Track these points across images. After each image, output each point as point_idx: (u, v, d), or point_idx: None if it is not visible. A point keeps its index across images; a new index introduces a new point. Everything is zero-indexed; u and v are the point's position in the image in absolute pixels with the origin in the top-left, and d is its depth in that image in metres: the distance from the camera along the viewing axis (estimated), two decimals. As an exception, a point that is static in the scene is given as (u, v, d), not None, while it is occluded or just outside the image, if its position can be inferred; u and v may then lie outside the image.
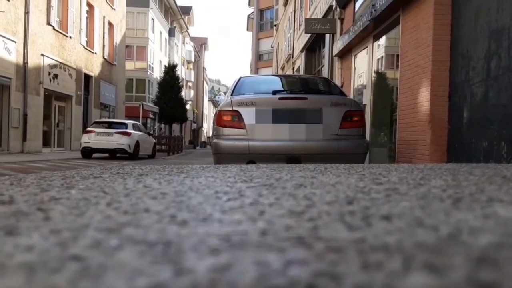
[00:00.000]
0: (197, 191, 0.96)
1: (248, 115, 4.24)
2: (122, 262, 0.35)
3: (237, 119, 4.26)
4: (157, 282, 0.28)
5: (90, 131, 13.03)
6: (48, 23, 15.20)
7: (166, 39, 36.86)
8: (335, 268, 0.34)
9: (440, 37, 5.19)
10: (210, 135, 5.38)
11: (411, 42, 5.91)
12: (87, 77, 18.96)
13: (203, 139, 57.34)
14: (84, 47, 18.38)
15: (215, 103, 61.57)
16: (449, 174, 1.19)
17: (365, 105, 8.14)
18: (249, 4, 37.72)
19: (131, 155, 13.03)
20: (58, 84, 16.08)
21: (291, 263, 0.36)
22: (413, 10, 5.87)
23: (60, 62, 16.20)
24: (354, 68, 9.48)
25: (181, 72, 38.78)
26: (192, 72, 47.40)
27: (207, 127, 59.86)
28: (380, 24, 7.32)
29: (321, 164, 3.15)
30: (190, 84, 46.60)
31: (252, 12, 37.07)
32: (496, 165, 1.55)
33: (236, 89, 4.74)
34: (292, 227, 0.53)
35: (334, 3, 10.47)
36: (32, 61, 14.07)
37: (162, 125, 33.70)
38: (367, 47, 8.42)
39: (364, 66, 8.66)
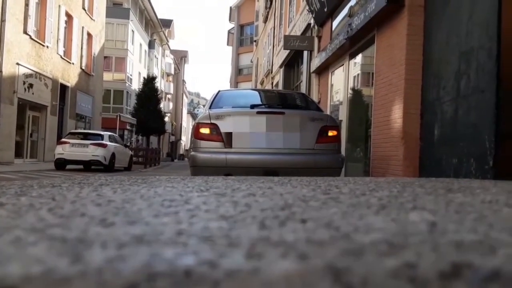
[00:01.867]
0: (146, 199, 0.98)
1: (226, 128, 4.28)
2: (29, 254, 0.39)
3: (215, 132, 4.29)
4: (49, 268, 0.32)
5: (65, 142, 12.76)
6: (25, 32, 14.94)
7: (145, 51, 36.72)
8: (221, 258, 0.38)
9: (413, 57, 5.38)
10: (188, 148, 5.39)
11: (385, 61, 6.10)
12: (64, 87, 18.64)
13: (182, 151, 56.86)
14: (61, 57, 18.11)
15: (194, 116, 61.36)
16: (400, 187, 1.25)
17: (341, 120, 8.30)
18: (229, 20, 38.11)
19: (107, 167, 12.80)
20: (33, 93, 15.75)
21: (182, 254, 0.39)
22: (387, 31, 6.08)
23: (36, 72, 15.90)
24: (331, 85, 9.68)
25: (160, 84, 38.59)
26: (172, 85, 47.23)
27: (186, 140, 59.46)
28: (356, 43, 7.53)
29: (292, 176, 3.20)
30: (169, 96, 46.37)
31: (233, 28, 37.45)
32: (458, 180, 1.63)
33: (214, 102, 4.78)
34: (210, 228, 0.57)
35: (312, 21, 10.72)
36: (7, 70, 13.76)
37: (140, 137, 33.29)
38: (343, 64, 8.63)
39: (341, 83, 8.86)
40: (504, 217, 0.66)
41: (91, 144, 12.68)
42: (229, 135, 4.28)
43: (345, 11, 8.54)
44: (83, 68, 20.75)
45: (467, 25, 4.54)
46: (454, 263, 0.31)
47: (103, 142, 12.97)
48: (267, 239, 0.48)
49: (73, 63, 19.40)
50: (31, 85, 15.59)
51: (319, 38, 10.44)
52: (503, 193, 1.10)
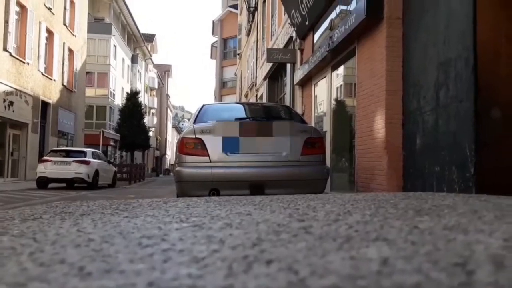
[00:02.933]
0: (125, 236, 1.01)
1: (211, 142, 4.27)
2: None
3: (200, 147, 4.27)
4: None
5: (46, 160, 12.52)
6: (5, 49, 14.74)
7: (128, 65, 36.57)
8: None
9: (393, 68, 5.49)
10: (174, 163, 5.35)
11: (366, 72, 6.21)
12: (45, 104, 18.38)
13: (167, 166, 56.37)
14: (42, 73, 17.89)
15: (179, 130, 61.08)
16: (374, 207, 1.29)
17: (325, 132, 8.37)
18: (212, 33, 38.34)
19: (90, 184, 12.58)
20: (13, 111, 15.47)
21: None
22: (367, 43, 6.20)
23: (16, 89, 15.65)
24: (315, 96, 9.78)
25: (144, 99, 38.39)
26: (156, 99, 47.04)
27: (171, 154, 59.04)
28: (337, 55, 7.65)
29: (277, 194, 3.20)
30: (153, 111, 46.12)
31: (216, 41, 37.66)
32: (434, 195, 1.67)
33: (199, 116, 4.77)
34: (179, 277, 0.59)
35: (294, 35, 10.86)
36: (-15, 88, 13.52)
37: (124, 153, 32.92)
38: (326, 76, 8.74)
39: (324, 94, 8.96)
40: (454, 249, 0.70)
41: (73, 161, 12.47)
42: (214, 149, 4.27)
43: (326, 24, 8.69)
44: (64, 84, 20.53)
45: (444, 35, 4.67)
46: None
47: (86, 159, 12.77)
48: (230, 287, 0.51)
49: (54, 80, 19.17)
50: (11, 103, 15.32)
51: (301, 50, 10.58)
52: (468, 213, 1.15)
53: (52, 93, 19.05)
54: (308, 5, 8.92)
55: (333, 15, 8.27)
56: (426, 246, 0.75)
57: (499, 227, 0.91)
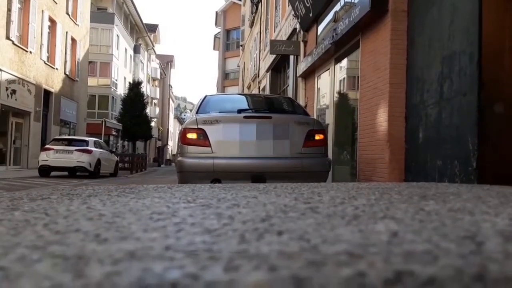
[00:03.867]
0: (135, 212, 1.02)
1: (213, 133, 4.28)
2: (36, 271, 0.44)
3: (202, 137, 4.28)
4: (56, 284, 0.37)
5: (49, 149, 12.56)
6: (8, 38, 14.71)
7: (131, 56, 36.48)
8: (202, 271, 0.43)
9: (397, 61, 5.47)
10: (176, 153, 5.36)
11: (370, 65, 6.18)
12: (47, 93, 18.38)
13: (168, 156, 56.48)
14: (45, 62, 17.87)
15: (181, 121, 61.07)
16: (379, 194, 1.30)
17: (327, 124, 8.36)
18: (215, 24, 38.13)
19: (92, 173, 12.64)
20: (16, 100, 15.49)
21: (169, 269, 0.44)
22: (371, 35, 6.17)
23: (19, 78, 15.65)
24: (318, 89, 9.76)
25: (146, 89, 38.35)
26: (158, 89, 46.98)
27: (173, 145, 59.11)
28: (341, 48, 7.62)
29: (279, 183, 3.23)
30: (155, 101, 46.09)
31: (219, 32, 37.48)
32: (438, 185, 1.68)
33: (201, 107, 4.78)
34: (194, 243, 0.61)
35: (298, 26, 10.80)
36: (-12, 76, 13.52)
37: (126, 143, 32.97)
38: (329, 69, 8.71)
39: (327, 87, 8.93)
40: (462, 226, 0.71)
41: (76, 150, 12.51)
42: (217, 139, 4.28)
43: (330, 16, 8.63)
44: (67, 73, 20.51)
45: (449, 29, 4.64)
46: (397, 271, 0.36)
47: (88, 148, 12.81)
48: (245, 252, 0.53)
49: (57, 69, 19.16)
50: (14, 91, 15.34)
51: (305, 42, 10.53)
52: (473, 199, 1.17)
53: (54, 82, 19.05)
54: (313, -4, 8.86)
55: (337, 7, 8.21)
56: (434, 223, 0.77)
57: (504, 210, 0.93)
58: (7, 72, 14.69)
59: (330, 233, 0.68)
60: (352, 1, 7.38)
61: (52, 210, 1.09)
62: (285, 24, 12.91)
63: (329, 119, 8.57)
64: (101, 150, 13.72)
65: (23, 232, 0.75)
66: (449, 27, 4.63)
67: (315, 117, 8.71)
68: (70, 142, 13.27)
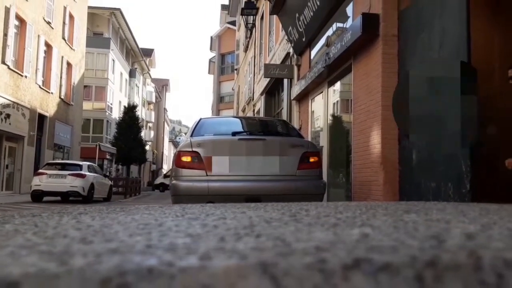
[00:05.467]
0: (123, 224, 1.05)
1: (208, 155, 4.27)
2: (24, 261, 0.50)
3: (196, 160, 4.27)
4: (42, 269, 0.42)
5: (42, 173, 12.45)
6: (3, 62, 14.80)
7: (126, 80, 36.73)
8: (178, 260, 0.47)
9: (389, 84, 5.55)
10: (170, 176, 5.34)
11: (363, 88, 6.27)
12: (42, 117, 18.36)
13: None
14: (40, 86, 17.93)
15: (175, 144, 60.99)
16: (365, 209, 1.34)
17: (322, 146, 8.40)
18: (210, 49, 38.69)
19: (85, 198, 12.49)
20: (10, 124, 15.44)
21: (147, 259, 0.49)
22: (363, 59, 6.28)
23: (14, 102, 15.65)
24: (311, 112, 9.84)
25: (141, 112, 38.46)
26: (153, 113, 47.12)
27: (167, 168, 58.85)
28: (334, 71, 7.73)
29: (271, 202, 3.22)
30: (150, 124, 46.15)
31: (214, 56, 37.98)
32: (427, 203, 1.69)
33: (196, 130, 4.79)
34: (175, 243, 0.66)
35: (291, 51, 10.98)
36: (-17, 100, 13.52)
37: (120, 166, 32.78)
38: (322, 92, 8.81)
39: (321, 109, 9.02)
40: (433, 230, 0.73)
41: (69, 174, 12.40)
42: (211, 162, 4.27)
43: (322, 40, 8.80)
44: (62, 97, 20.56)
45: (439, 53, 4.74)
46: (357, 259, 0.40)
47: (82, 172, 12.71)
48: (221, 248, 0.58)
49: (52, 93, 19.21)
50: (8, 116, 15.31)
51: (298, 66, 10.69)
52: (454, 213, 1.19)
53: (49, 106, 19.06)
54: (305, 22, 9.05)
55: (329, 32, 8.39)
56: (407, 229, 0.81)
57: (481, 220, 0.95)
58: (1, 97, 14.70)
59: (306, 236, 0.72)
60: (344, 26, 7.55)
61: (42, 223, 1.12)
62: (278, 48, 13.13)
63: (324, 141, 8.61)
64: (95, 174, 13.62)
65: (12, 238, 0.80)
66: (439, 50, 4.73)
67: (309, 139, 8.75)
68: (63, 167, 13.17)
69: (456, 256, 0.39)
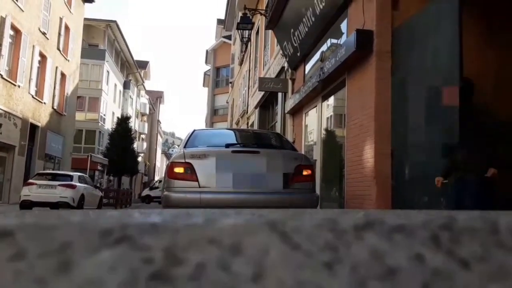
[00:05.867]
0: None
1: (201, 167, 4.25)
2: (22, 217, 0.47)
3: (189, 171, 4.24)
4: (39, 220, 0.40)
5: (31, 183, 12.29)
6: (-4, 71, 14.72)
7: (120, 91, 36.69)
8: (181, 220, 0.45)
9: (382, 100, 5.60)
10: (161, 188, 5.28)
11: (356, 103, 6.31)
12: (34, 127, 18.21)
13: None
14: (33, 96, 17.83)
15: (168, 156, 60.71)
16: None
17: (315, 160, 8.40)
18: (206, 62, 38.90)
19: (75, 209, 12.32)
20: (1, 133, 15.28)
21: (151, 217, 0.47)
22: (357, 75, 6.34)
23: (6, 111, 15.52)
24: (305, 125, 9.88)
25: (134, 124, 38.33)
26: (146, 125, 47.01)
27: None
28: (328, 86, 7.79)
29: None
30: (143, 136, 45.98)
31: (209, 70, 38.17)
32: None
33: (189, 141, 4.77)
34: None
35: (286, 65, 11.07)
36: (-26, 109, 13.39)
37: (111, 177, 32.50)
38: (316, 106, 8.86)
39: (314, 123, 9.06)
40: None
41: (59, 185, 12.25)
42: (204, 174, 4.24)
43: (317, 56, 8.89)
44: (55, 108, 20.44)
45: (432, 70, 4.80)
46: (368, 220, 0.39)
47: (72, 183, 12.57)
48: (227, 213, 0.58)
49: (45, 103, 19.10)
50: (-1, 125, 15.17)
51: (293, 80, 10.76)
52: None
53: (41, 116, 18.93)
54: (300, 37, 9.15)
55: (324, 47, 8.48)
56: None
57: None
58: (-7, 106, 14.58)
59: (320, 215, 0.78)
60: (338, 42, 7.63)
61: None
62: (273, 62, 13.23)
63: (317, 155, 8.62)
64: (85, 185, 13.47)
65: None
66: (431, 66, 4.79)
67: (303, 153, 8.76)
68: (54, 177, 13.02)
69: (471, 221, 0.39)
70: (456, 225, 0.37)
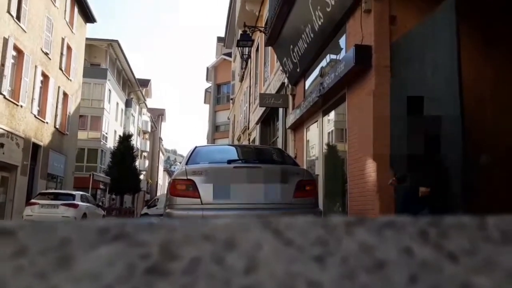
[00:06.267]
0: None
1: (203, 184, 4.24)
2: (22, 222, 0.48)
3: (191, 188, 4.23)
4: (38, 221, 0.41)
5: (34, 203, 12.29)
6: (-1, 92, 14.87)
7: (122, 109, 36.93)
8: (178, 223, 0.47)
9: (382, 114, 5.61)
10: (164, 205, 5.26)
11: (356, 117, 6.34)
12: (36, 147, 18.28)
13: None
14: (35, 116, 17.95)
15: (170, 173, 60.61)
16: None
17: (317, 175, 8.39)
18: (206, 79, 39.23)
19: (78, 228, 12.28)
20: (3, 153, 15.33)
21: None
22: (357, 89, 6.39)
23: (8, 131, 15.60)
24: (307, 140, 9.89)
25: (136, 142, 38.44)
26: (148, 142, 47.12)
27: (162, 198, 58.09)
28: (328, 101, 7.83)
29: None
30: (145, 154, 46.05)
31: (210, 87, 38.45)
32: None
33: (191, 158, 4.78)
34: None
35: (286, 81, 11.16)
36: (-23, 129, 13.47)
37: (113, 196, 32.44)
38: (317, 121, 8.90)
39: (316, 138, 9.07)
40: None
41: (61, 204, 12.25)
42: (206, 190, 4.23)
43: (316, 71, 8.97)
44: (57, 127, 20.56)
45: (430, 85, 4.83)
46: (360, 217, 0.40)
47: (75, 202, 12.57)
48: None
49: (47, 122, 19.22)
50: (2, 145, 15.22)
51: (293, 96, 10.83)
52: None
53: (44, 136, 19.02)
54: (300, 53, 9.25)
55: (323, 63, 8.56)
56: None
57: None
58: (-4, 126, 14.67)
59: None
60: (337, 57, 7.71)
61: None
62: (273, 78, 13.34)
63: (319, 170, 8.61)
64: (88, 204, 13.46)
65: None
66: (430, 82, 4.82)
67: (305, 168, 8.75)
68: (56, 196, 13.03)
69: (460, 218, 0.41)
70: (444, 222, 0.38)
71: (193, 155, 4.84)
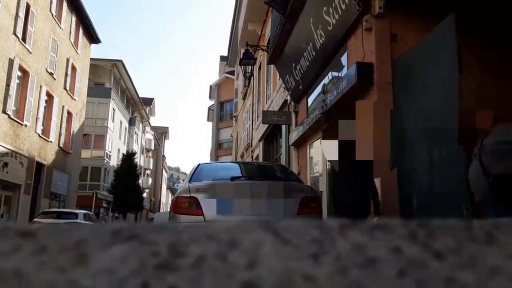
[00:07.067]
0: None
1: (206, 201, 4.25)
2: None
3: (194, 206, 4.23)
4: (57, 224, 0.46)
5: (36, 222, 12.27)
6: (4, 111, 15.04)
7: (126, 128, 37.17)
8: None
9: (382, 129, 5.64)
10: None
11: (359, 134, 6.35)
12: (40, 166, 18.36)
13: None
14: (39, 135, 18.10)
15: (173, 191, 60.54)
16: None
17: (321, 192, 8.37)
18: (209, 97, 39.56)
19: (81, 247, 12.22)
20: (7, 172, 15.41)
21: None
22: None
23: (12, 151, 15.72)
24: (310, 157, 9.90)
25: (139, 160, 38.55)
26: (151, 160, 47.25)
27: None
28: (331, 117, 7.87)
29: None
30: (148, 172, 46.11)
31: (213, 104, 38.75)
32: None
33: (194, 175, 4.79)
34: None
35: (288, 98, 11.25)
36: (-18, 149, 13.58)
37: (116, 214, 32.36)
38: (320, 137, 8.92)
39: (319, 155, 9.08)
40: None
41: (64, 223, 12.22)
42: (209, 208, 4.23)
43: (319, 88, 9.05)
44: (61, 146, 20.69)
45: (433, 100, 4.86)
46: (353, 221, 0.43)
47: (77, 221, 12.54)
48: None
49: (51, 141, 19.35)
50: (5, 164, 15.32)
51: (296, 113, 10.90)
52: None
53: (47, 155, 19.13)
54: (302, 71, 9.35)
55: (326, 80, 8.64)
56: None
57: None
58: (0, 145, 14.78)
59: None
60: (339, 74, 7.79)
61: None
62: (276, 96, 13.45)
63: (323, 186, 8.59)
64: (91, 223, 13.42)
65: None
66: (433, 97, 4.85)
67: (308, 184, 8.73)
68: (59, 215, 13.03)
69: (447, 220, 0.43)
70: (432, 223, 0.40)
71: (197, 173, 4.85)
